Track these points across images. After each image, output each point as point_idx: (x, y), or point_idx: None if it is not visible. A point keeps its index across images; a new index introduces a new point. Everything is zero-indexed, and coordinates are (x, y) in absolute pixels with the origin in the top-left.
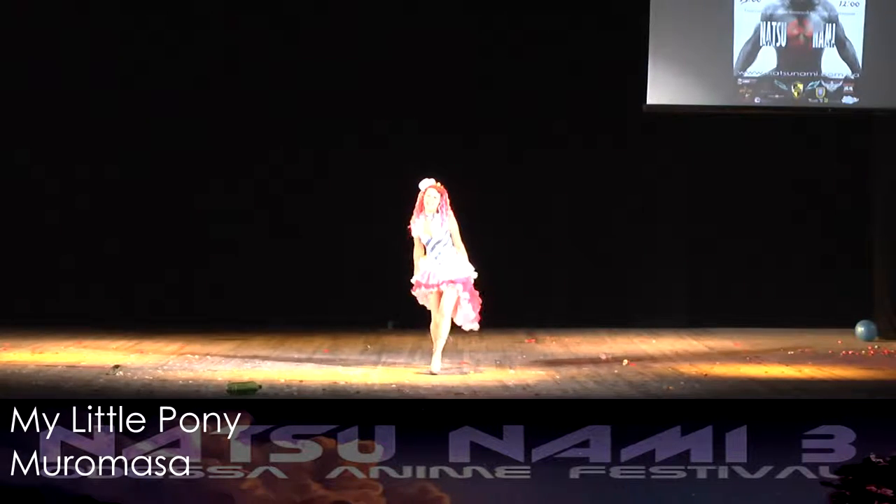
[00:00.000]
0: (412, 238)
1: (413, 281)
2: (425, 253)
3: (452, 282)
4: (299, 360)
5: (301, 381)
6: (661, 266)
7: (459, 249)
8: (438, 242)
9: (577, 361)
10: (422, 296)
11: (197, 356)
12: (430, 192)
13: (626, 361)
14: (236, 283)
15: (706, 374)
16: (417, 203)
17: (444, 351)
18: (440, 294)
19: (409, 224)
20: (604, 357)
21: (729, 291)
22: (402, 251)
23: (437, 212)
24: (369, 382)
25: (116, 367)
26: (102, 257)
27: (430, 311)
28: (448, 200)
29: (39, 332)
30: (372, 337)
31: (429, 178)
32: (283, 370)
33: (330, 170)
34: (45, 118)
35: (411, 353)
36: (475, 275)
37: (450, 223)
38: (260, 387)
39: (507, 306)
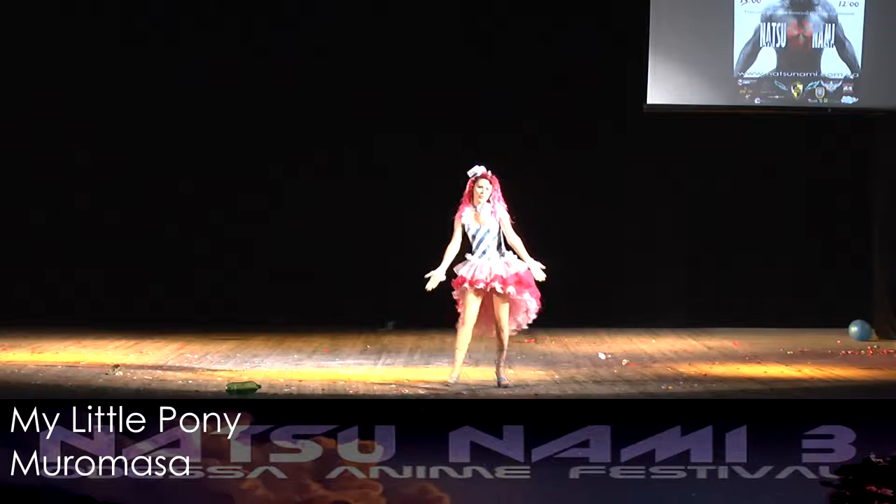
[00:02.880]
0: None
1: (453, 275)
2: (472, 250)
3: (503, 281)
4: (299, 360)
5: (301, 380)
6: (660, 266)
7: (515, 240)
8: (488, 233)
9: (577, 361)
10: (461, 293)
11: (197, 356)
12: (482, 182)
13: (625, 361)
14: (236, 283)
15: (706, 374)
16: (466, 192)
17: (442, 350)
18: (483, 292)
19: (455, 215)
20: (603, 357)
21: (728, 291)
22: (401, 251)
23: (489, 202)
24: (369, 382)
25: (116, 366)
26: (102, 257)
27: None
28: (500, 190)
29: (39, 332)
30: (372, 337)
31: (479, 165)
32: (283, 370)
33: (329, 170)
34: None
35: (411, 352)
36: (540, 270)
37: (501, 212)
38: (259, 387)
39: None
